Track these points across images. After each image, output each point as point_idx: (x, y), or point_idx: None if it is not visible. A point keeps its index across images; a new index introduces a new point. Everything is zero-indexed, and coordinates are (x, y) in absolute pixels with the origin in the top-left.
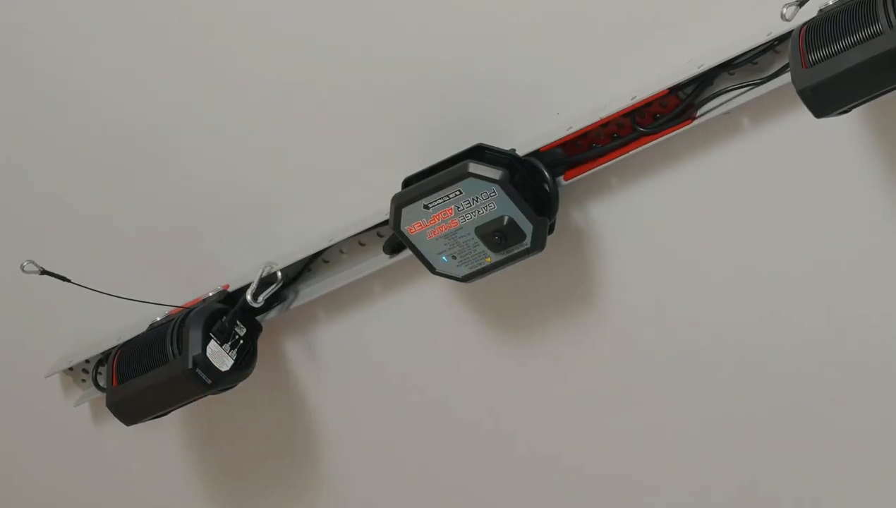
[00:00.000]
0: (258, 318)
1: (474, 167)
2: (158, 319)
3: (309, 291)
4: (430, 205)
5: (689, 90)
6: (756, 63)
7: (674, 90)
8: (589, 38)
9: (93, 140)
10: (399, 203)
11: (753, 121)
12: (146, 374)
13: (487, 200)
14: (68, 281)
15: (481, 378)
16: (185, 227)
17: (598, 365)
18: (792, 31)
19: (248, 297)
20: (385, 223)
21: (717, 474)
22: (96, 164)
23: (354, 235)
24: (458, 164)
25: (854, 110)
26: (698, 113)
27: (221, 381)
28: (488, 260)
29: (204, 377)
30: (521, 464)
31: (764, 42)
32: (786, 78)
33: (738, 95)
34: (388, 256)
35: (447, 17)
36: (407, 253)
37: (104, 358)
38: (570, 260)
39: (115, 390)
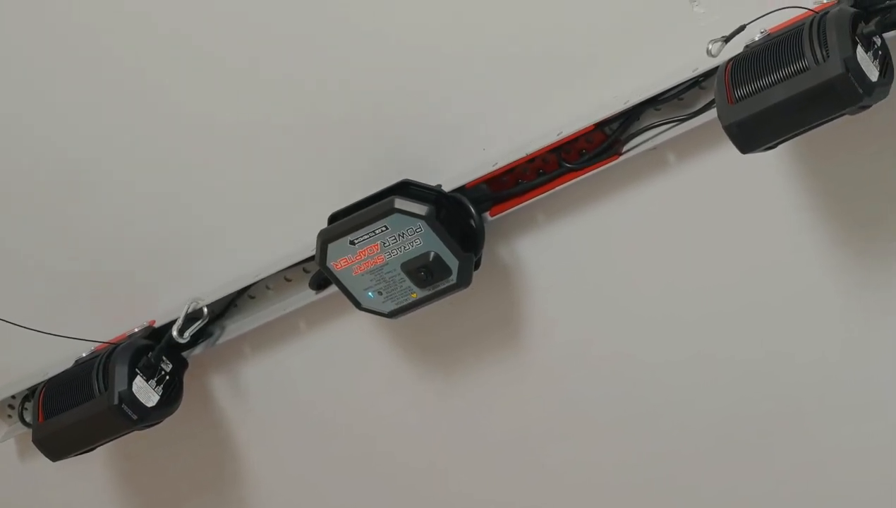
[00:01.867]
0: (184, 354)
1: (400, 203)
2: (84, 355)
3: (235, 327)
4: (356, 241)
5: (615, 126)
6: (682, 99)
7: (600, 126)
8: (515, 74)
9: (18, 173)
10: (325, 239)
11: (679, 157)
12: (72, 410)
13: (413, 236)
14: None
15: (408, 413)
16: (110, 263)
17: (525, 401)
18: (718, 66)
19: (174, 333)
20: (311, 259)
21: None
22: (21, 198)
23: (280, 271)
24: (384, 200)
25: (780, 146)
26: (624, 148)
27: (147, 417)
28: (414, 295)
29: (130, 413)
30: (448, 500)
31: (690, 78)
32: (712, 114)
33: (664, 131)
34: (315, 292)
35: (373, 53)
36: (333, 289)
37: (30, 393)
38: (497, 295)
39: (41, 426)
